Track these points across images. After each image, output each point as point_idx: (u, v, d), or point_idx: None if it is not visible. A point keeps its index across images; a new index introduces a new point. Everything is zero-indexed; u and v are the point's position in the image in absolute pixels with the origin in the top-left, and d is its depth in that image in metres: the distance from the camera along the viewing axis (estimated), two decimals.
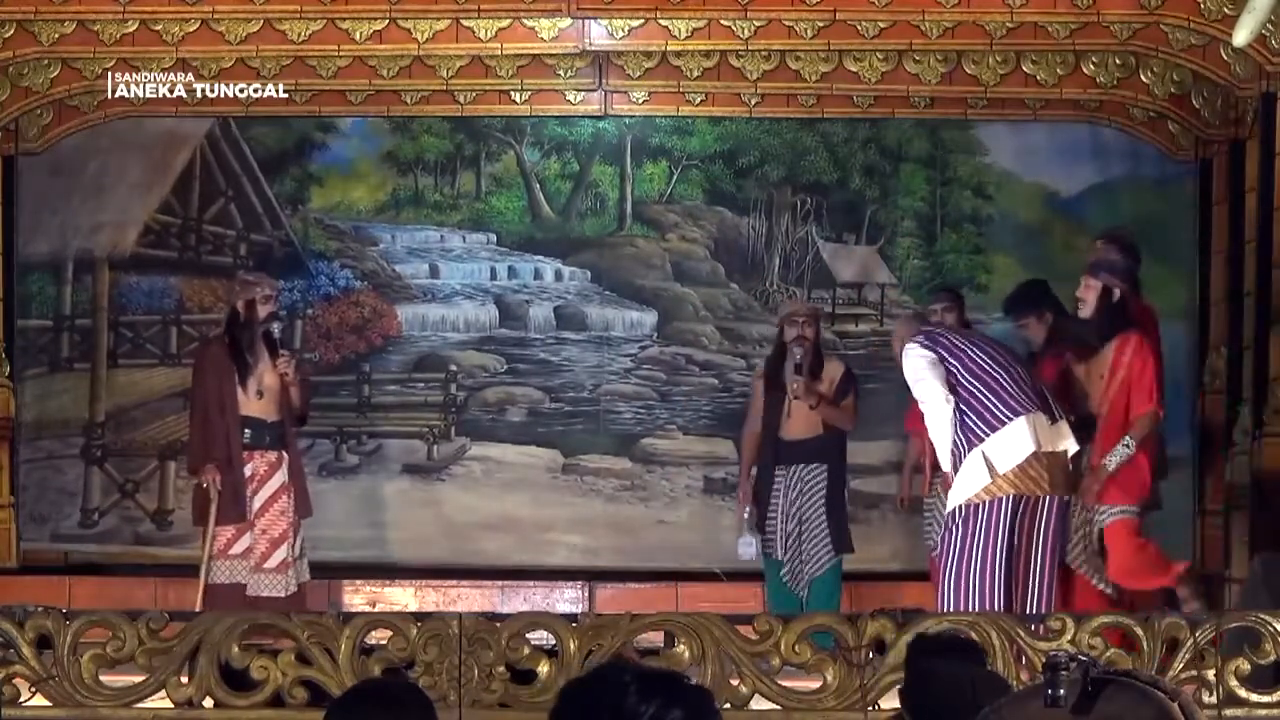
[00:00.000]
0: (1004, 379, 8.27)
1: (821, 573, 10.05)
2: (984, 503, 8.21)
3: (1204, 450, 11.34)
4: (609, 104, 11.88)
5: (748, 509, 10.22)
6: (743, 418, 10.84)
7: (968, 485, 8.25)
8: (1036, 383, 8.45)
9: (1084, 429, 8.69)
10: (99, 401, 12.38)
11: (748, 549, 10.21)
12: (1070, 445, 8.36)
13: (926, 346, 8.39)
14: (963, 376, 8.30)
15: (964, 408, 8.25)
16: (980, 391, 8.26)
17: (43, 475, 12.29)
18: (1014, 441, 8.20)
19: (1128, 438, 8.79)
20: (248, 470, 10.06)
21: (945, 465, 8.44)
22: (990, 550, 8.19)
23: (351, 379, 12.44)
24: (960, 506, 8.25)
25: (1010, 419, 8.19)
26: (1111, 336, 8.89)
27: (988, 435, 8.20)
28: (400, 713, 4.08)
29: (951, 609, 7.97)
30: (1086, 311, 8.95)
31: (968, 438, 8.23)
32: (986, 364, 8.31)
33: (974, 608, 7.96)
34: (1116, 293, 8.90)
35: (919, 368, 8.39)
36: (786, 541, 10.09)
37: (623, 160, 12.49)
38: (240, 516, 9.99)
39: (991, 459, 8.19)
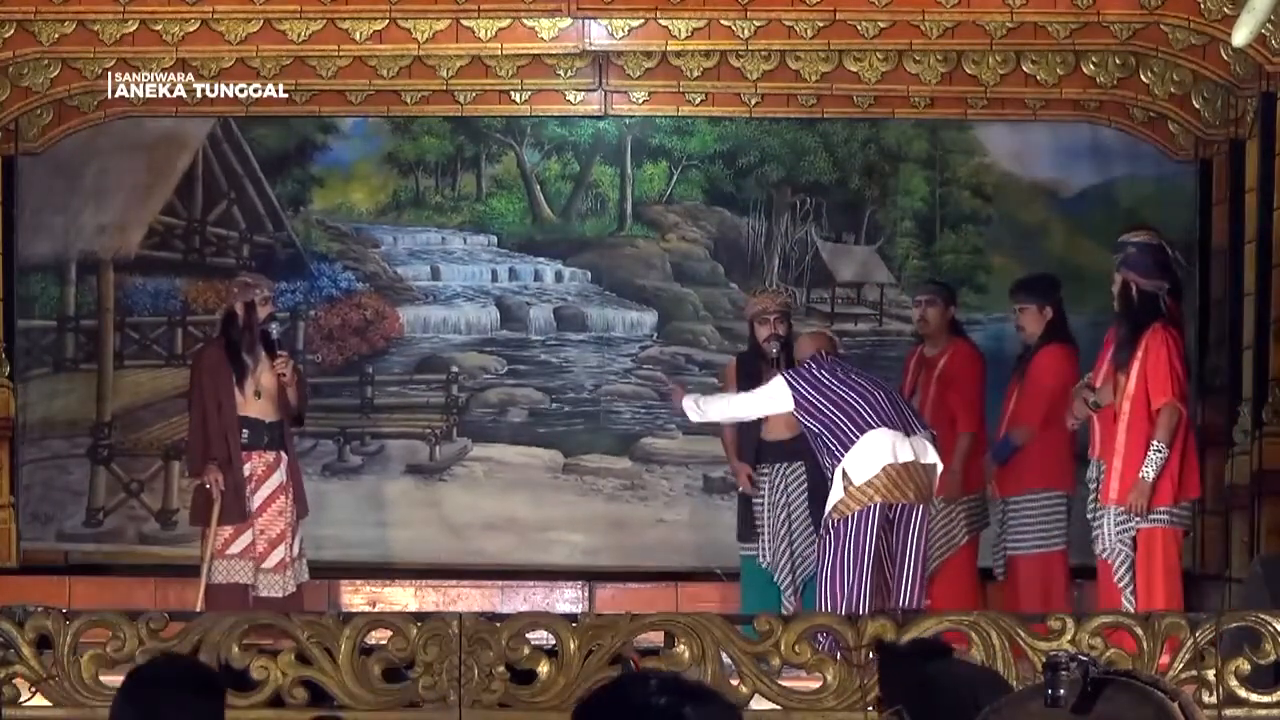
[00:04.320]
0: (857, 402, 9.19)
1: (812, 572, 10.05)
2: (854, 513, 9.11)
3: (1204, 450, 11.33)
4: (609, 104, 11.88)
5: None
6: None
7: (832, 499, 9.20)
8: (898, 404, 9.38)
9: None
10: (105, 401, 12.40)
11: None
12: (933, 460, 9.27)
13: (789, 383, 9.34)
14: (823, 405, 9.25)
15: (825, 433, 9.22)
16: (836, 416, 9.19)
17: (48, 475, 12.30)
18: (866, 455, 9.11)
19: (1156, 440, 8.79)
20: (245, 470, 10.07)
21: (699, 405, 9.74)
22: (859, 556, 9.12)
23: (354, 380, 12.45)
24: (833, 517, 9.18)
25: (860, 436, 9.11)
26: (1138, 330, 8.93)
27: (843, 454, 9.13)
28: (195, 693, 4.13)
29: (827, 610, 8.82)
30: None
31: (831, 460, 9.21)
32: (842, 391, 9.24)
33: (844, 608, 8.81)
34: (1135, 287, 8.97)
35: (770, 395, 9.41)
36: (777, 542, 10.09)
37: (623, 160, 12.48)
38: (242, 516, 10.01)
39: (849, 474, 9.11)
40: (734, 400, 9.76)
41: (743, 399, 9.70)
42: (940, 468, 9.37)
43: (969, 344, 10.68)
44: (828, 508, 9.25)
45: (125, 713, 4.19)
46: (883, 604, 9.05)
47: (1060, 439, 9.83)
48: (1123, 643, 6.55)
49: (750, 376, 10.15)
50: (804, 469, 10.02)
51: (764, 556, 10.12)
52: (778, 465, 10.14)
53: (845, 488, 9.13)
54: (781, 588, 10.07)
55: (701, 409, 9.76)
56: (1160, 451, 8.80)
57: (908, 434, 9.19)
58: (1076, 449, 9.74)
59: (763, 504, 10.17)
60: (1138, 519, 8.85)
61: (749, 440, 10.23)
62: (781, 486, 10.12)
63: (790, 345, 10.08)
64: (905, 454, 9.13)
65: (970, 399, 10.42)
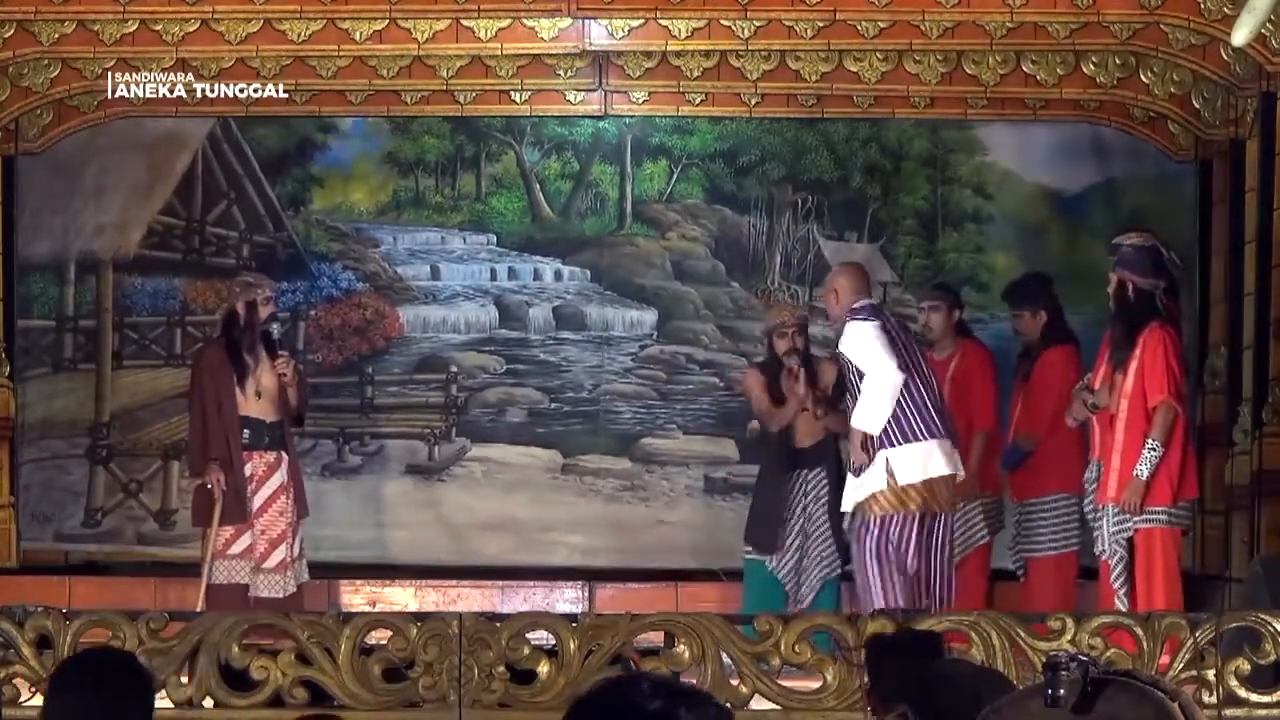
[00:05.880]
0: (925, 393, 8.99)
1: (833, 576, 10.03)
2: (895, 515, 8.96)
3: (1204, 450, 11.33)
4: (609, 104, 11.87)
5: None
6: (745, 416, 10.91)
7: (868, 486, 8.97)
8: (943, 409, 9.20)
9: None
10: (104, 401, 12.39)
11: None
12: (958, 469, 9.18)
13: (873, 319, 9.01)
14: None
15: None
16: (901, 396, 8.93)
17: (47, 475, 12.30)
18: (916, 461, 8.93)
19: (1151, 439, 8.79)
20: (246, 471, 10.07)
21: (871, 428, 8.95)
22: (896, 559, 8.98)
23: (354, 380, 12.44)
24: (874, 517, 8.98)
25: (923, 437, 8.92)
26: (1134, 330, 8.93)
27: (898, 443, 8.90)
28: (116, 686, 4.14)
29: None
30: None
31: (875, 443, 8.92)
32: (913, 371, 8.99)
33: (879, 605, 8.70)
34: (1131, 287, 8.98)
35: (869, 337, 8.97)
36: (790, 545, 10.07)
37: (623, 160, 12.48)
38: (243, 517, 10.01)
39: (895, 468, 8.91)
40: (877, 383, 8.98)
41: (870, 393, 8.99)
42: (962, 475, 9.37)
43: (978, 344, 10.67)
44: (865, 494, 9.09)
45: (54, 708, 4.20)
46: (919, 604, 9.00)
47: (1072, 442, 9.82)
48: (1123, 643, 6.55)
49: (772, 391, 10.14)
50: (825, 474, 10.02)
51: (772, 559, 10.10)
52: (800, 471, 10.12)
53: (888, 480, 9.03)
54: (786, 589, 10.07)
55: (867, 425, 9.03)
56: (1155, 450, 8.79)
57: (951, 445, 9.18)
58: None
59: (787, 515, 10.12)
60: (1133, 517, 8.86)
61: (785, 448, 10.14)
62: (801, 492, 10.10)
63: (810, 358, 10.09)
64: (946, 467, 9.10)
65: (985, 398, 10.42)
